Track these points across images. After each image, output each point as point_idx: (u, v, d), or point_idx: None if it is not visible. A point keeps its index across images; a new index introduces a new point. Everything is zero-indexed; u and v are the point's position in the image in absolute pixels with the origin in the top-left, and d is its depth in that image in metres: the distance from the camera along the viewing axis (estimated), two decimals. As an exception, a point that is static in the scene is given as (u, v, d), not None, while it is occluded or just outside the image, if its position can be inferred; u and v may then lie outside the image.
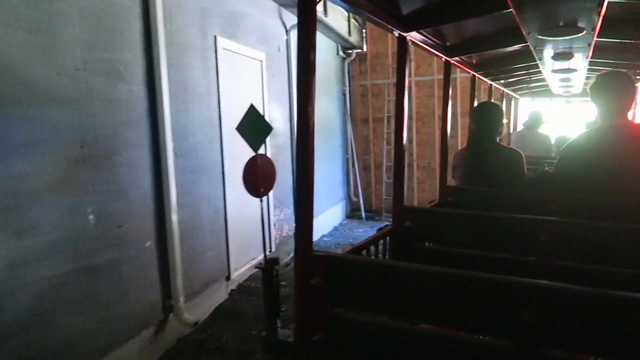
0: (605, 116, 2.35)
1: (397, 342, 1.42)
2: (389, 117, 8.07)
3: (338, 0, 1.69)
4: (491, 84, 4.68)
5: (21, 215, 2.34)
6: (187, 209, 3.65)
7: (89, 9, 2.76)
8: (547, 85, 4.76)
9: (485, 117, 2.86)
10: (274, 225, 5.30)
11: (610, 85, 2.32)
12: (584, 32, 1.89)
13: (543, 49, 2.41)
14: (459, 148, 6.78)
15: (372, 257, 2.06)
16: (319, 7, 5.49)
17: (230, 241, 4.29)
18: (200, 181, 3.84)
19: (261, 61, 5.00)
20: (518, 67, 3.79)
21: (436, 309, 1.40)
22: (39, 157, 2.43)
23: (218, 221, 4.13)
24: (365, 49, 8.01)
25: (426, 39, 2.46)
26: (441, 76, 7.69)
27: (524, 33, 2.00)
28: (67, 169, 2.59)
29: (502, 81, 4.81)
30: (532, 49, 2.37)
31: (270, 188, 3.34)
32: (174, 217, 3.37)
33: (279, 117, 5.52)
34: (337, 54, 7.74)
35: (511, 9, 1.65)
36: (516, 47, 2.83)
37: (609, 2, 1.56)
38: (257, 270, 4.40)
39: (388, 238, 2.23)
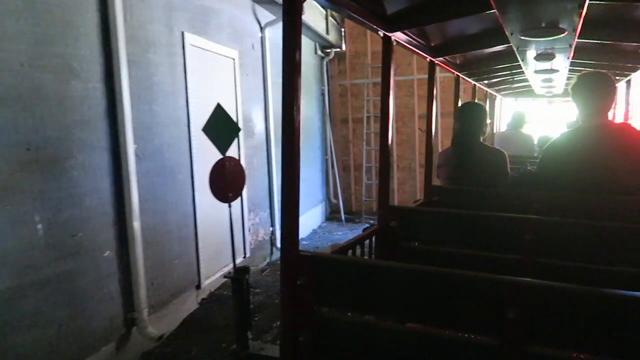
0: (586, 116, 2.37)
1: (384, 341, 1.42)
2: (368, 117, 7.94)
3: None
4: (475, 84, 4.69)
5: (-45, 226, 2.11)
6: (152, 214, 3.43)
7: (37, -1, 2.54)
8: (529, 86, 4.78)
9: (470, 117, 2.87)
10: (249, 229, 5.10)
11: (590, 86, 2.34)
12: (565, 33, 1.91)
13: (525, 50, 2.42)
14: (439, 148, 6.73)
15: (358, 256, 2.06)
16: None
17: (200, 247, 4.08)
18: (166, 185, 3.63)
19: (234, 59, 4.80)
20: (501, 67, 3.82)
21: (422, 308, 1.40)
22: (-24, 162, 2.20)
23: (187, 227, 3.92)
24: (344, 48, 7.87)
25: (411, 39, 2.47)
26: (421, 76, 7.63)
27: (507, 34, 2.01)
28: (10, 175, 2.36)
29: (486, 81, 4.83)
30: (515, 49, 2.38)
31: (239, 193, 3.14)
32: (136, 224, 3.15)
33: (254, 117, 5.32)
34: (315, 52, 7.58)
35: (494, 10, 1.66)
36: (499, 47, 2.85)
37: (589, 4, 1.57)
38: (230, 277, 4.22)
39: (374, 238, 2.23)
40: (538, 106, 7.78)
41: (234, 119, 4.80)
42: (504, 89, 5.77)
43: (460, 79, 3.96)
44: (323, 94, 7.95)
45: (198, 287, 4.08)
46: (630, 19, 2.37)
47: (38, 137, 2.52)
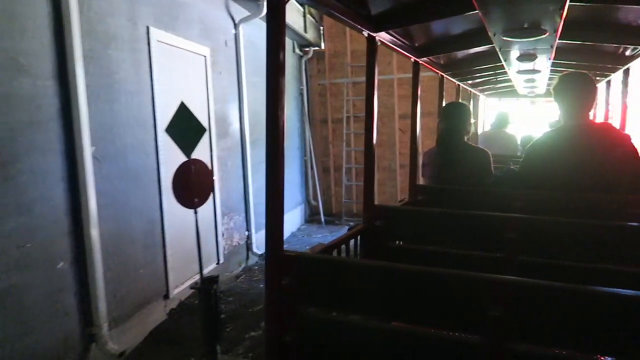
0: (568, 116, 2.39)
1: (369, 340, 1.42)
2: (348, 117, 7.79)
3: None
4: (459, 84, 4.72)
5: None
6: (114, 221, 3.21)
7: (-25, -13, 2.31)
8: (512, 86, 4.83)
9: (454, 117, 2.89)
10: (222, 234, 4.89)
11: (572, 86, 2.37)
12: (547, 34, 1.92)
13: (508, 50, 2.44)
14: (420, 148, 6.62)
15: (343, 256, 2.07)
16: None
17: (169, 255, 3.86)
18: (130, 189, 3.40)
19: (205, 56, 4.58)
20: (485, 67, 3.84)
21: (407, 307, 1.41)
22: None
23: (153, 234, 3.70)
24: (323, 46, 7.70)
25: (395, 39, 2.47)
26: (401, 75, 7.50)
27: (490, 34, 2.02)
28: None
29: (470, 82, 4.87)
30: (497, 50, 2.40)
31: (206, 198, 2.94)
32: (94, 232, 2.93)
33: (228, 117, 5.11)
34: (294, 51, 7.39)
35: (477, 11, 1.66)
36: (483, 48, 2.87)
37: (569, 6, 1.58)
38: (201, 285, 4.01)
39: (359, 237, 2.24)
40: (521, 106, 7.91)
41: (206, 119, 4.60)
42: (488, 89, 5.83)
43: (445, 79, 3.95)
44: (302, 94, 7.77)
45: (166, 296, 3.85)
46: (610, 21, 2.41)
47: (-23, 139, 2.28)
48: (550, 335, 1.23)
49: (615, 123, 3.58)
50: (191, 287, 3.46)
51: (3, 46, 2.44)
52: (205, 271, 4.53)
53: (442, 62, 3.65)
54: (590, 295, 1.20)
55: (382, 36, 2.28)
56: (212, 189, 3.01)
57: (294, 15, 6.31)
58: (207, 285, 2.97)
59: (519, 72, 3.27)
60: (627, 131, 3.29)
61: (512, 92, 5.66)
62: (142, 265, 3.54)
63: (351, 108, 7.79)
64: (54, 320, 2.72)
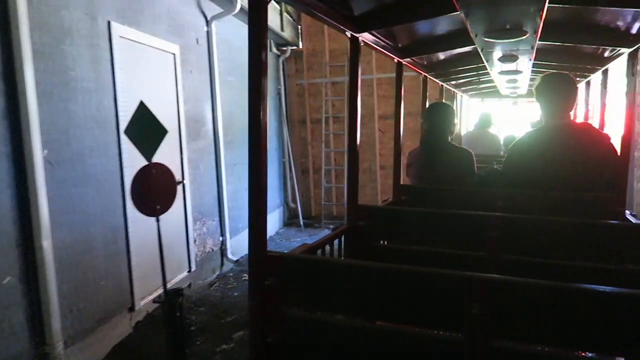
0: (549, 116, 2.42)
1: (354, 340, 1.43)
2: (327, 118, 7.63)
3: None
4: (442, 85, 4.74)
5: None
6: (69, 230, 2.97)
7: None
8: (495, 87, 4.89)
9: (438, 117, 2.90)
10: (194, 240, 4.66)
11: (553, 86, 2.39)
12: (527, 35, 1.94)
13: (490, 51, 2.47)
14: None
15: (327, 256, 2.07)
16: (243, -4, 4.93)
17: (134, 265, 3.63)
18: (88, 195, 3.16)
19: (174, 54, 4.35)
20: (468, 68, 3.86)
21: (391, 306, 1.42)
22: None
23: (116, 242, 3.46)
24: (301, 46, 7.53)
25: (378, 40, 2.48)
26: (380, 75, 7.37)
27: (472, 35, 2.04)
28: None
29: (453, 82, 4.89)
30: (479, 50, 2.42)
31: (169, 205, 2.73)
32: (46, 243, 2.69)
33: (200, 117, 4.89)
34: (270, 50, 7.19)
35: (459, 12, 1.68)
36: (466, 49, 2.90)
37: (550, 7, 1.61)
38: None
39: (343, 237, 2.24)
40: (504, 107, 8.02)
41: (175, 119, 4.38)
42: (471, 90, 5.89)
43: (429, 79, 3.99)
44: (279, 94, 7.57)
45: (132, 309, 3.62)
46: (589, 23, 2.43)
47: None
48: (531, 332, 1.25)
49: (595, 123, 3.61)
50: (154, 301, 3.24)
51: None
52: (176, 280, 4.32)
53: (425, 62, 3.67)
54: (570, 292, 1.22)
55: (365, 37, 2.29)
56: (176, 195, 2.79)
57: (271, 14, 6.12)
58: (171, 299, 2.77)
59: (501, 72, 3.33)
60: (606, 131, 3.30)
61: (494, 92, 5.70)
62: (104, 276, 3.30)
63: (330, 108, 7.63)
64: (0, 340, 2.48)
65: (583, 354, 1.33)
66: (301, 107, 7.88)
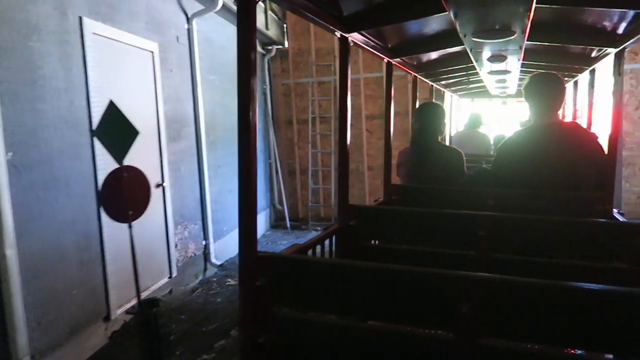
0: (538, 115, 2.43)
1: (345, 339, 1.43)
2: (314, 118, 7.51)
3: None
4: (432, 85, 4.74)
5: None
6: (37, 238, 2.81)
7: None
8: (484, 87, 4.90)
9: (428, 117, 2.91)
10: (175, 245, 4.50)
11: (542, 86, 2.41)
12: (515, 35, 1.95)
13: (479, 51, 2.48)
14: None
15: (318, 256, 2.07)
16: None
17: (109, 272, 3.47)
18: (58, 200, 3.00)
19: (152, 52, 4.19)
20: (457, 68, 3.86)
21: (382, 305, 1.42)
22: None
23: (90, 249, 3.30)
24: (286, 45, 7.40)
25: (367, 40, 2.48)
26: (367, 74, 7.27)
27: (460, 36, 2.04)
28: None
29: (443, 82, 4.88)
30: (468, 51, 2.43)
31: (143, 210, 2.58)
32: (10, 252, 2.53)
33: (181, 118, 4.73)
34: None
35: (448, 12, 1.68)
36: (455, 49, 2.90)
37: (537, 8, 1.61)
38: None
39: (334, 237, 2.24)
40: (493, 107, 8.05)
41: (154, 120, 4.22)
42: (461, 90, 5.90)
43: (419, 79, 3.99)
44: (265, 94, 7.43)
45: (107, 318, 3.46)
46: (576, 24, 2.44)
47: None
48: (521, 330, 1.26)
49: (583, 122, 3.59)
50: (127, 312, 3.08)
51: None
52: (156, 286, 4.16)
53: (415, 63, 3.67)
54: (559, 290, 1.23)
55: (355, 37, 2.28)
56: (150, 200, 2.64)
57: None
58: (145, 309, 2.62)
59: (490, 72, 3.34)
60: (593, 130, 3.31)
61: (484, 92, 5.73)
62: (76, 285, 3.14)
63: (317, 108, 7.51)
64: (-43, 357, 2.31)
65: (572, 352, 1.34)
66: (287, 108, 7.75)
